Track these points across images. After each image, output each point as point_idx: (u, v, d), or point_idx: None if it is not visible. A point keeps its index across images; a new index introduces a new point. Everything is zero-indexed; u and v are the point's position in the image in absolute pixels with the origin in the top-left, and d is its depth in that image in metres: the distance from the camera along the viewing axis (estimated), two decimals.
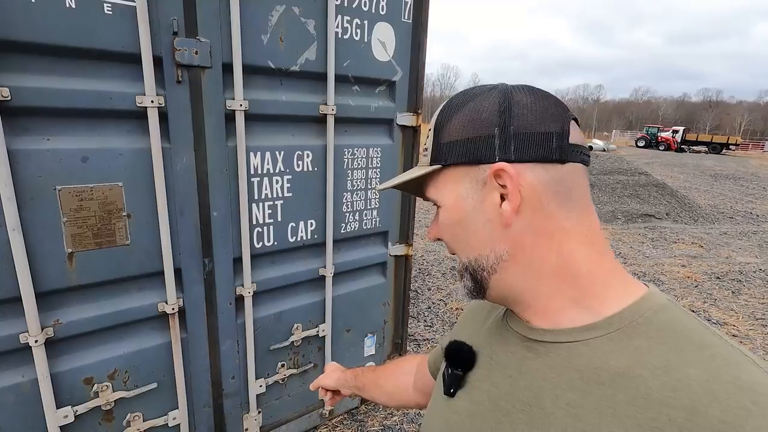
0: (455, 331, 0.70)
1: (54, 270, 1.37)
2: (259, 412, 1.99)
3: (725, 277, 4.80)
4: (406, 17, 2.02)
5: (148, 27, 1.37)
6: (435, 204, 0.55)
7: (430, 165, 0.53)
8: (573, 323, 0.49)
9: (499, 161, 0.47)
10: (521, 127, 0.47)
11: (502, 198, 0.48)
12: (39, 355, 1.37)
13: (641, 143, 34.31)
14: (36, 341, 1.35)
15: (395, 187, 0.59)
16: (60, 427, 1.45)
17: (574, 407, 0.45)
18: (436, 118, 0.53)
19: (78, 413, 1.48)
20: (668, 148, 31.85)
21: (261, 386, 1.95)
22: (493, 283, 0.52)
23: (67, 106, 1.32)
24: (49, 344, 1.40)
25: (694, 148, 32.58)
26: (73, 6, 1.26)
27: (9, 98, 1.21)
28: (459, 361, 0.59)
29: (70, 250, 1.39)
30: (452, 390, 0.58)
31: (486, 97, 0.49)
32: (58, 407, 1.44)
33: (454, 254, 0.56)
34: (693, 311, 3.86)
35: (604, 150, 26.42)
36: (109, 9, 1.32)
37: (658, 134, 33.77)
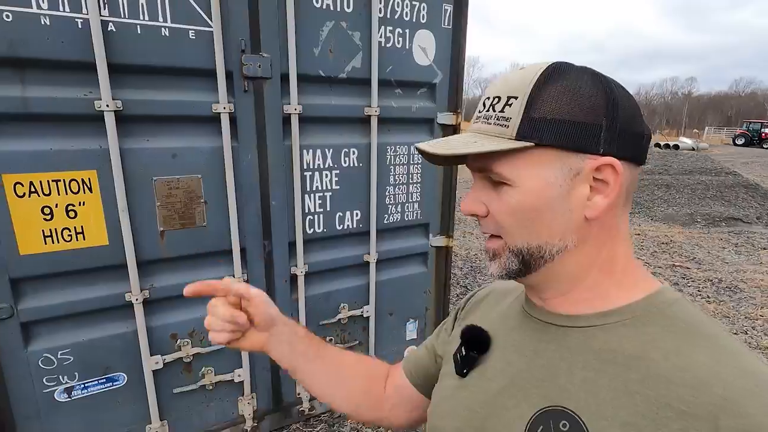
0: (466, 318, 0.71)
1: (150, 244, 1.73)
2: None
3: None
4: (446, 24, 2.18)
5: (222, 47, 1.68)
6: (500, 181, 0.49)
7: (517, 139, 0.47)
8: (592, 309, 0.52)
9: (604, 155, 0.47)
10: (625, 124, 0.47)
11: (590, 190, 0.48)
12: (138, 311, 1.73)
13: (740, 141, 30.61)
14: (136, 300, 1.71)
15: (441, 155, 0.51)
16: (153, 371, 1.81)
17: (589, 383, 0.48)
18: (530, 87, 0.47)
19: (166, 361, 1.84)
20: None
21: None
22: (544, 269, 0.51)
23: (162, 114, 1.67)
24: (146, 304, 1.76)
25: None
26: (167, 34, 1.60)
27: (122, 108, 1.57)
28: (475, 343, 0.60)
29: (161, 229, 1.74)
30: (465, 371, 0.60)
31: (584, 81, 0.47)
32: (151, 354, 1.79)
33: (490, 234, 0.53)
34: None
35: (693, 149, 23.93)
36: (193, 34, 1.64)
37: (762, 131, 29.89)
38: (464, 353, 0.61)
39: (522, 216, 0.49)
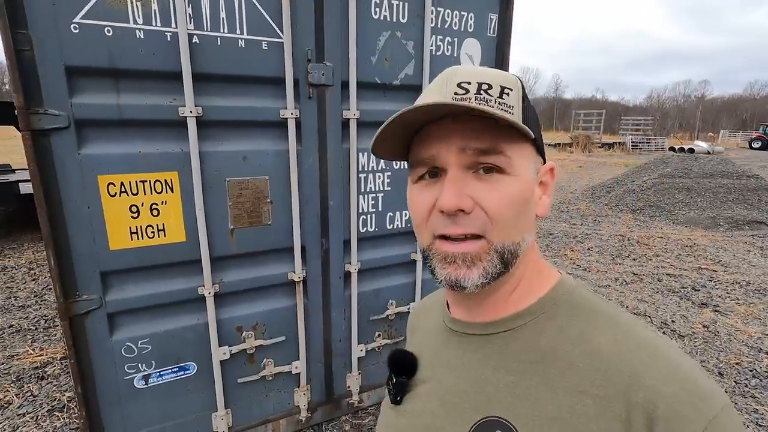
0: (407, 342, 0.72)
1: (221, 241, 1.84)
2: (359, 374, 2.34)
3: None
4: (491, 32, 2.28)
5: (291, 57, 1.79)
6: (497, 169, 0.47)
7: (524, 125, 0.46)
8: (508, 312, 0.53)
9: (544, 159, 0.53)
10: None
11: None
12: (210, 304, 1.84)
13: (756, 144, 30.17)
14: (209, 293, 1.83)
15: (472, 109, 0.43)
16: (220, 361, 1.92)
17: (514, 387, 0.49)
18: (520, 84, 0.49)
19: (232, 352, 1.94)
20: None
21: (362, 351, 2.30)
22: (512, 269, 0.51)
23: (235, 119, 1.79)
24: (216, 297, 1.87)
25: None
26: (243, 45, 1.72)
27: (201, 114, 1.69)
28: (402, 368, 0.60)
29: (232, 227, 1.85)
30: (399, 398, 0.60)
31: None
32: (219, 345, 1.90)
33: (466, 234, 0.47)
34: None
35: (709, 153, 23.69)
36: (266, 45, 1.76)
37: None
38: (394, 380, 0.60)
39: (518, 208, 0.48)
